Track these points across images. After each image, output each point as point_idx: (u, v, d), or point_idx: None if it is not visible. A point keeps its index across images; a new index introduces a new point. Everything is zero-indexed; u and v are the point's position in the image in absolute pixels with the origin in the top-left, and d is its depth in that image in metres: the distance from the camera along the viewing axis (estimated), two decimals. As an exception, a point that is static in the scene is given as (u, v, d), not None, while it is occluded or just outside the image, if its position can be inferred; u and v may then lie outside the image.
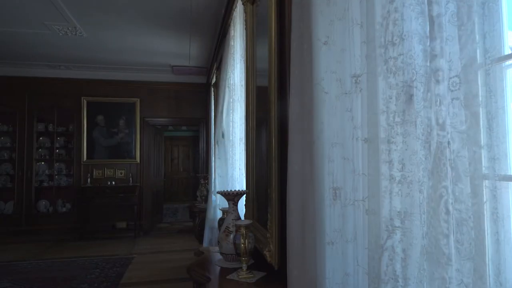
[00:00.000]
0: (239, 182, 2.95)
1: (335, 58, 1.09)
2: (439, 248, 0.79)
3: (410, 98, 0.87)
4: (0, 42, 5.62)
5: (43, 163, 7.27)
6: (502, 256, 0.73)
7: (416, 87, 0.86)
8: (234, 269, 1.86)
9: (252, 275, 1.75)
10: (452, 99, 0.81)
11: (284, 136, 1.71)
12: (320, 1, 1.15)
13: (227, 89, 3.33)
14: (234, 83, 3.12)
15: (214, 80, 5.67)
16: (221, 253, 2.02)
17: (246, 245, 1.73)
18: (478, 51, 0.78)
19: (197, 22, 4.82)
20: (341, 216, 1.05)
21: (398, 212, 0.87)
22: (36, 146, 7.19)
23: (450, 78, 0.81)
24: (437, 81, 0.82)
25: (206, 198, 5.28)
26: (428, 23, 0.85)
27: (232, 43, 3.16)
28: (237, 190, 2.20)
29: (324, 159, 1.09)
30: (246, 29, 2.65)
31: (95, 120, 7.42)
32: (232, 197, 1.98)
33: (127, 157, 7.57)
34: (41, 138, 7.29)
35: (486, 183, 0.76)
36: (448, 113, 0.81)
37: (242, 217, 2.32)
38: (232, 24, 3.21)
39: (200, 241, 4.23)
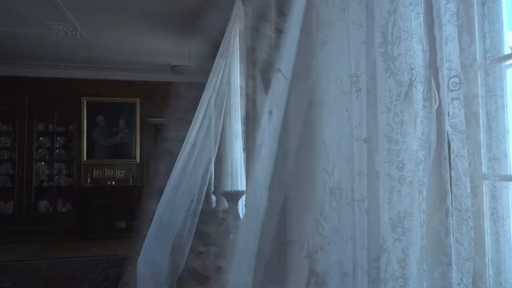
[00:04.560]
0: (239, 182, 2.94)
1: (334, 58, 1.09)
2: (439, 248, 0.79)
3: (409, 98, 0.87)
4: (0, 42, 5.62)
5: (43, 163, 7.26)
6: (502, 256, 0.73)
7: (416, 87, 0.86)
8: (234, 269, 1.86)
9: (252, 275, 1.74)
10: (452, 99, 0.81)
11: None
12: (319, 1, 1.15)
13: (227, 89, 3.33)
14: (234, 83, 3.11)
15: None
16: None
17: (246, 245, 1.72)
18: (478, 51, 0.78)
19: (197, 22, 4.81)
20: (340, 216, 1.05)
21: (398, 212, 0.87)
22: (36, 146, 7.19)
23: (450, 78, 0.81)
24: (437, 81, 0.81)
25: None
26: (428, 23, 0.85)
27: (232, 43, 3.15)
28: (237, 190, 2.20)
29: (324, 159, 1.09)
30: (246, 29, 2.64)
31: (95, 120, 7.41)
32: (232, 197, 1.98)
33: (127, 157, 7.56)
34: (41, 138, 7.29)
35: (486, 183, 0.76)
36: (448, 113, 0.80)
37: (242, 217, 2.32)
38: (232, 24, 3.20)
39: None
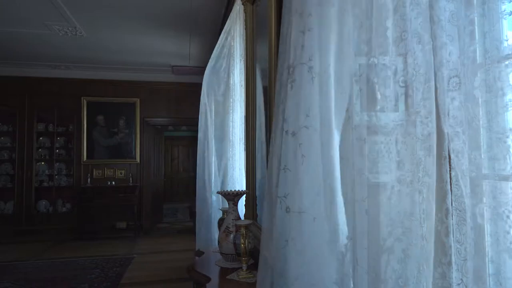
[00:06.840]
0: (239, 182, 2.94)
1: (333, 58, 1.08)
2: (439, 248, 0.79)
3: (409, 98, 0.87)
4: (0, 42, 5.62)
5: (43, 163, 7.26)
6: (502, 256, 0.73)
7: (416, 87, 0.87)
8: (234, 269, 1.86)
9: (252, 275, 1.75)
10: (452, 99, 0.81)
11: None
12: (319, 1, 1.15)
13: (226, 89, 3.33)
14: (234, 83, 3.12)
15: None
16: (221, 253, 2.02)
17: (246, 245, 1.73)
18: (478, 51, 0.78)
19: (197, 22, 4.82)
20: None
21: (398, 212, 0.87)
22: (36, 146, 7.19)
23: (450, 78, 0.81)
24: (437, 81, 0.82)
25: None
26: (428, 23, 0.85)
27: (232, 43, 3.15)
28: (237, 190, 2.20)
29: (322, 158, 1.09)
30: (246, 29, 2.64)
31: (95, 120, 7.42)
32: (232, 197, 1.98)
33: (127, 157, 7.57)
34: (41, 138, 7.29)
35: (486, 183, 0.76)
36: (448, 113, 0.81)
37: (242, 217, 2.32)
38: (232, 24, 3.21)
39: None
